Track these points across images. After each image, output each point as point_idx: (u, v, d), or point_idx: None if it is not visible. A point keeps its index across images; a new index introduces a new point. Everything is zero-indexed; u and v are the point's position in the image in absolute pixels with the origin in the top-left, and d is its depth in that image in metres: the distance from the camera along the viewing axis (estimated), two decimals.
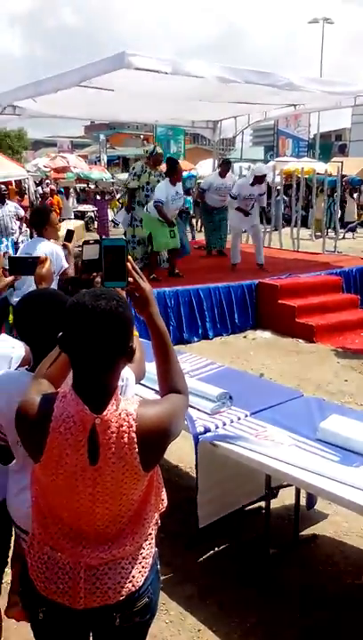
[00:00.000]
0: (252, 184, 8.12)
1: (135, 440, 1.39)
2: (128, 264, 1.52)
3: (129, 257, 1.53)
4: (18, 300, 2.06)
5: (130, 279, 1.52)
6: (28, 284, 3.41)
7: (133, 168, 8.40)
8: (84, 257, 1.59)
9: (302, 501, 3.22)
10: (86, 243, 1.58)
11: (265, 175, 8.43)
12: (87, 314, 1.36)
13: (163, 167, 8.01)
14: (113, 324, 1.36)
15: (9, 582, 2.30)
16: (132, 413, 1.41)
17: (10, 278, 2.37)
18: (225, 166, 9.51)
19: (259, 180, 8.18)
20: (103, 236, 10.30)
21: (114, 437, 1.39)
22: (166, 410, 1.48)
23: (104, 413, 1.38)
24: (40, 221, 4.42)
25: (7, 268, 2.38)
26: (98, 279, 1.57)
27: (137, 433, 1.40)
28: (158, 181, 7.68)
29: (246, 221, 8.37)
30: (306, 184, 12.45)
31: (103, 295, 1.39)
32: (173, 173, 7.48)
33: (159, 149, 8.41)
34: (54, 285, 4.21)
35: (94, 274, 1.59)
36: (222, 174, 9.33)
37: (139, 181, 8.04)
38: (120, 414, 1.40)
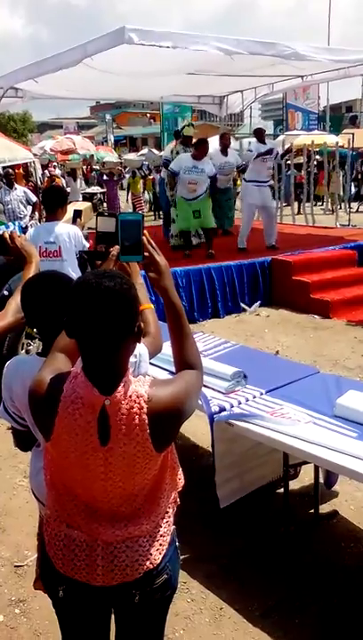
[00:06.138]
0: (258, 141, 8.18)
1: (146, 422, 1.37)
2: (144, 238, 1.54)
3: (145, 231, 1.54)
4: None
5: (145, 254, 1.54)
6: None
7: (177, 153, 8.35)
8: (99, 229, 1.59)
9: (322, 479, 3.18)
10: (100, 214, 1.59)
11: (263, 130, 8.43)
12: (91, 292, 1.33)
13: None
14: (117, 301, 1.33)
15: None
16: (143, 395, 1.39)
17: None
18: (223, 142, 9.15)
19: (259, 134, 8.22)
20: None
21: (124, 419, 1.37)
22: (179, 390, 1.45)
23: (114, 395, 1.36)
24: (58, 201, 4.36)
25: None
26: (114, 252, 1.56)
27: (148, 415, 1.38)
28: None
29: (261, 196, 8.14)
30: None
31: (107, 274, 1.38)
32: (196, 148, 7.70)
33: (188, 130, 8.83)
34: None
35: (111, 248, 1.57)
36: (223, 151, 9.05)
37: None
38: (130, 396, 1.38)
